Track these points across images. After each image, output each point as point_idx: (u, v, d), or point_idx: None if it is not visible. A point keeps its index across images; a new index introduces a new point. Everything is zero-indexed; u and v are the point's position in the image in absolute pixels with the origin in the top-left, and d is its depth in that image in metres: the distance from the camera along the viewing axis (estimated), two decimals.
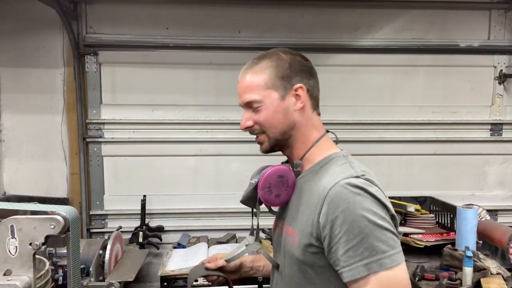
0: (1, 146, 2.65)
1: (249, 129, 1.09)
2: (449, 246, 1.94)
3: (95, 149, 2.68)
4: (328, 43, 2.70)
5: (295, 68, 1.07)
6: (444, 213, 2.46)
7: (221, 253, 1.32)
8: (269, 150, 1.10)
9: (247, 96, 1.06)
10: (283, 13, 2.68)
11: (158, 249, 2.57)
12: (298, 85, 1.06)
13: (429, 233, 2.28)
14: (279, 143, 1.08)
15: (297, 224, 1.01)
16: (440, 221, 2.49)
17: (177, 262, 2.17)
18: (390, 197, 2.57)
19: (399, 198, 2.60)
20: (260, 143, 1.10)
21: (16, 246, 0.90)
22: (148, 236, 2.52)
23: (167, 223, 2.66)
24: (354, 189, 0.90)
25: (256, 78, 1.05)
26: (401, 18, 2.75)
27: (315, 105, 1.14)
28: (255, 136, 1.11)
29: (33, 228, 0.91)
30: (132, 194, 2.67)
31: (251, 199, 1.12)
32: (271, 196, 1.05)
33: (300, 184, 1.06)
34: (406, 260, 2.16)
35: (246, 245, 1.20)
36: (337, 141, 1.15)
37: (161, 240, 2.58)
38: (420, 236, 2.24)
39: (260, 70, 1.05)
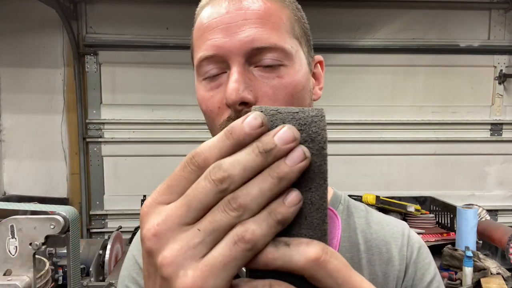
0: (1, 146, 2.65)
1: (244, 107, 0.50)
2: (449, 246, 1.94)
3: (95, 149, 2.69)
4: (328, 43, 2.70)
5: (309, 28, 0.61)
6: (444, 213, 2.46)
7: None
8: None
9: (264, 35, 0.50)
10: None
11: None
12: (320, 57, 0.61)
13: (429, 233, 2.28)
14: None
15: None
16: (440, 221, 2.49)
17: None
18: (390, 197, 2.59)
19: (399, 198, 2.60)
20: None
21: (16, 246, 0.90)
22: None
23: None
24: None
25: (277, 8, 0.53)
26: (401, 18, 2.75)
27: None
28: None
29: (33, 228, 0.91)
30: (132, 194, 2.67)
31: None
32: None
33: None
34: None
35: None
36: None
37: None
38: (420, 236, 2.24)
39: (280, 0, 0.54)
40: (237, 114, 0.49)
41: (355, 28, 2.73)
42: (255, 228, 0.23)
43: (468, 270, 1.67)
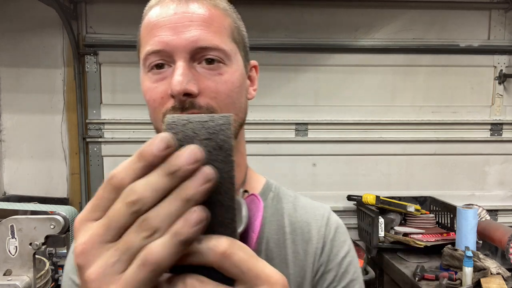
0: (1, 146, 2.65)
1: (187, 99, 0.55)
2: (449, 246, 1.94)
3: (95, 149, 2.69)
4: (328, 43, 2.70)
5: (246, 36, 0.67)
6: (444, 213, 2.46)
7: None
8: None
9: (208, 37, 0.56)
10: (283, 13, 2.68)
11: None
12: (255, 62, 0.68)
13: (429, 233, 2.28)
14: None
15: None
16: (440, 221, 2.49)
17: None
18: (390, 197, 2.59)
19: (399, 198, 2.60)
20: None
21: (16, 246, 0.90)
22: None
23: None
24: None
25: (220, 15, 0.59)
26: (401, 18, 2.75)
27: None
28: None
29: (33, 228, 0.91)
30: None
31: None
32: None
33: None
34: (406, 260, 2.16)
35: None
36: None
37: None
38: (420, 236, 2.24)
39: (222, 8, 0.61)
40: (181, 104, 0.54)
41: (355, 28, 2.73)
42: (159, 250, 0.25)
43: (468, 270, 1.67)
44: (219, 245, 0.27)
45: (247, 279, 0.28)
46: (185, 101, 0.54)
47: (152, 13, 0.59)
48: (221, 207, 0.29)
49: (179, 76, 0.53)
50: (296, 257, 0.63)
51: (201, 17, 0.56)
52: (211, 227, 0.28)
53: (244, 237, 0.46)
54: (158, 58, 0.57)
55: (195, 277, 0.27)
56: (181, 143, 0.29)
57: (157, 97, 0.57)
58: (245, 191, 0.56)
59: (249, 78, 0.66)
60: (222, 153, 0.30)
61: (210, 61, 0.56)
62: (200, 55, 0.56)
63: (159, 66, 0.57)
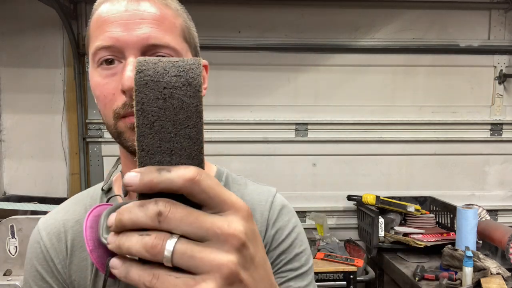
0: (1, 146, 2.65)
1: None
2: (449, 246, 1.94)
3: (95, 149, 2.69)
4: (328, 43, 2.70)
5: (197, 36, 0.70)
6: (444, 213, 2.46)
7: None
8: None
9: (159, 35, 0.58)
10: (283, 13, 2.68)
11: None
12: (205, 62, 0.68)
13: (429, 233, 2.28)
14: None
15: None
16: (440, 221, 2.49)
17: None
18: (390, 197, 2.59)
19: (399, 198, 2.60)
20: None
21: (16, 246, 0.90)
22: None
23: None
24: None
25: (172, 15, 0.61)
26: (401, 18, 2.75)
27: None
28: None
29: (33, 228, 0.91)
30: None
31: None
32: None
33: None
34: (406, 260, 2.15)
35: None
36: None
37: None
38: (420, 236, 2.24)
39: (174, 8, 0.63)
40: (132, 100, 0.54)
41: (355, 28, 2.73)
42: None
43: (468, 270, 1.67)
44: (188, 172, 0.29)
45: (214, 204, 0.30)
46: (126, 95, 0.56)
47: (103, 9, 0.59)
48: (188, 139, 0.32)
49: (130, 71, 0.54)
50: None
51: (153, 15, 0.57)
52: (178, 158, 0.32)
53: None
54: (108, 54, 0.57)
55: (165, 199, 0.30)
56: (151, 78, 0.32)
57: (108, 93, 0.58)
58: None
59: None
60: (191, 88, 0.32)
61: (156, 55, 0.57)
62: (150, 53, 0.57)
63: (109, 62, 0.58)
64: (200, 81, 0.32)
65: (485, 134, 2.86)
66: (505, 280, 1.72)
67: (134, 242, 0.29)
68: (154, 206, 0.29)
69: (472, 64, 2.81)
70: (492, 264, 1.79)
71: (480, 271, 1.72)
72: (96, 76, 0.60)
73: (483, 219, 2.28)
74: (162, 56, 0.56)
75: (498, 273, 1.76)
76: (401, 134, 2.80)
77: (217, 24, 2.63)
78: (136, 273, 0.30)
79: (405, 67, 2.79)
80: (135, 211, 0.30)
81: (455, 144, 2.83)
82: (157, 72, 0.32)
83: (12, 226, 0.91)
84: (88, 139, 2.66)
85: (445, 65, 2.80)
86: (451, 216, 2.34)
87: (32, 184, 2.68)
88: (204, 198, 0.30)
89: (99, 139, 2.67)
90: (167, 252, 0.29)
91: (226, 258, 0.29)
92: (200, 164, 0.32)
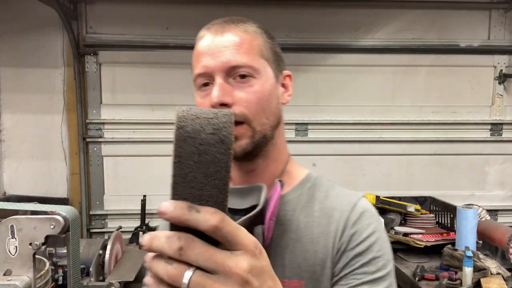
0: (1, 146, 2.65)
1: (223, 106, 0.68)
2: (449, 246, 1.94)
3: (95, 149, 2.69)
4: (328, 43, 2.70)
5: (279, 49, 0.80)
6: (444, 213, 2.46)
7: None
8: (249, 152, 0.71)
9: (237, 58, 0.69)
10: (283, 13, 2.68)
11: None
12: (288, 72, 0.81)
13: (429, 233, 2.28)
14: (263, 143, 0.73)
15: (308, 271, 0.71)
16: (440, 221, 2.49)
17: None
18: (390, 197, 2.59)
19: (399, 198, 2.60)
20: (236, 137, 0.69)
21: (16, 246, 0.90)
22: None
23: None
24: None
25: (250, 38, 0.72)
26: (401, 18, 2.75)
27: None
28: None
29: (33, 228, 0.91)
30: (132, 194, 2.67)
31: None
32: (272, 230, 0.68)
33: (284, 213, 0.75)
34: (406, 260, 2.16)
35: None
36: None
37: None
38: (420, 236, 2.24)
39: (252, 32, 0.73)
40: None
41: (355, 28, 2.73)
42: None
43: (468, 270, 1.67)
44: (213, 219, 0.36)
45: (229, 245, 0.37)
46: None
47: (199, 44, 0.73)
48: (216, 189, 0.37)
49: (216, 91, 0.68)
50: (320, 237, 0.72)
51: (233, 43, 0.70)
52: (207, 205, 0.37)
53: (262, 212, 0.61)
54: (203, 79, 0.71)
55: (188, 236, 0.36)
56: (190, 135, 0.37)
57: None
58: (279, 180, 0.71)
59: (283, 85, 0.80)
60: (223, 146, 0.37)
61: (243, 76, 0.70)
62: (233, 72, 0.70)
63: (205, 85, 0.72)
64: (231, 139, 0.37)
65: (485, 134, 2.86)
66: (505, 280, 1.72)
67: (160, 268, 0.37)
68: (177, 241, 0.36)
69: (472, 64, 2.81)
70: (492, 264, 1.79)
71: (480, 271, 1.72)
72: (197, 97, 0.74)
73: (483, 219, 2.27)
74: (243, 75, 0.69)
75: (498, 273, 1.76)
76: (401, 134, 2.80)
77: None
78: None
79: (405, 67, 2.79)
80: (162, 241, 0.37)
81: (455, 144, 2.83)
82: (195, 129, 0.37)
83: (12, 226, 0.91)
84: (88, 139, 2.66)
85: (445, 65, 2.80)
86: (451, 216, 2.34)
87: (32, 184, 2.68)
88: (222, 240, 0.37)
89: (99, 139, 2.68)
90: (185, 280, 0.36)
91: None
92: (224, 209, 0.37)
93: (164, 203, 0.37)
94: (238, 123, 0.69)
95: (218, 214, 0.36)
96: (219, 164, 0.37)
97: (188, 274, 0.36)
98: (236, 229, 0.37)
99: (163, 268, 0.37)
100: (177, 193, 0.37)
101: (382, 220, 0.78)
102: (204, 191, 0.37)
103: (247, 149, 0.71)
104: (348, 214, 0.73)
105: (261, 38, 0.74)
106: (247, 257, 0.38)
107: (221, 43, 0.70)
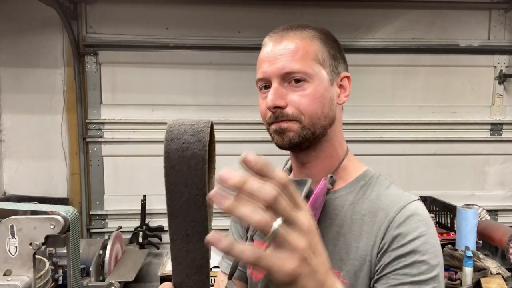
0: (1, 146, 2.65)
1: (277, 110, 0.78)
2: (449, 246, 1.94)
3: (95, 149, 2.69)
4: None
5: (341, 51, 0.86)
6: (444, 213, 2.46)
7: None
8: (296, 143, 0.79)
9: (291, 65, 0.76)
10: (283, 13, 2.68)
11: (158, 249, 2.57)
12: (346, 73, 0.87)
13: None
14: (312, 139, 0.80)
15: (347, 265, 0.76)
16: (440, 221, 2.49)
17: None
18: None
19: None
20: (284, 130, 0.78)
21: (16, 246, 0.90)
22: (148, 236, 2.52)
23: (167, 223, 2.66)
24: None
25: (305, 45, 0.78)
26: (401, 18, 2.75)
27: None
28: (274, 123, 0.80)
29: (33, 228, 0.91)
30: (132, 194, 2.67)
31: None
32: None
33: (334, 207, 0.81)
34: None
35: None
36: None
37: (161, 240, 2.58)
38: None
39: (309, 38, 0.80)
40: (275, 115, 0.78)
41: (355, 28, 2.73)
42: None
43: (468, 270, 1.67)
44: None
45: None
46: (276, 112, 0.78)
47: (262, 51, 0.82)
48: (197, 177, 0.50)
49: (271, 95, 0.77)
50: (363, 235, 0.77)
51: (288, 50, 0.78)
52: (191, 190, 0.51)
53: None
54: (263, 83, 0.81)
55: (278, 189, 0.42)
56: (176, 136, 0.50)
57: (263, 109, 0.81)
58: (331, 176, 0.82)
59: (341, 86, 0.87)
60: (200, 144, 0.49)
61: (298, 81, 0.77)
62: (288, 77, 0.77)
63: (266, 87, 0.81)
64: (207, 139, 0.50)
65: (485, 134, 2.86)
66: (505, 280, 1.72)
67: (249, 211, 0.40)
68: (274, 191, 0.41)
69: (472, 64, 2.81)
70: (492, 264, 1.79)
71: (480, 271, 1.72)
72: (260, 98, 0.83)
73: (483, 219, 2.28)
74: (298, 80, 0.77)
75: (498, 273, 1.76)
76: (401, 134, 2.80)
77: (217, 24, 2.63)
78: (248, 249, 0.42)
79: (405, 67, 2.79)
80: (257, 186, 0.41)
81: (455, 144, 2.83)
82: (180, 132, 0.50)
83: (12, 226, 0.91)
84: (88, 139, 2.66)
85: (445, 65, 2.80)
86: (451, 216, 2.34)
87: (32, 184, 2.68)
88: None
89: (99, 139, 2.68)
90: (276, 225, 0.41)
91: (301, 243, 0.43)
92: (202, 189, 0.49)
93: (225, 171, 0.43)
94: (290, 120, 0.78)
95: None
96: (197, 158, 0.48)
97: (279, 220, 0.41)
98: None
99: (253, 212, 0.40)
100: (169, 181, 0.49)
101: (433, 225, 0.78)
102: (187, 179, 0.49)
103: (293, 140, 0.78)
104: (393, 215, 0.76)
105: (317, 43, 0.81)
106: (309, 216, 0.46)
107: (279, 51, 0.79)
